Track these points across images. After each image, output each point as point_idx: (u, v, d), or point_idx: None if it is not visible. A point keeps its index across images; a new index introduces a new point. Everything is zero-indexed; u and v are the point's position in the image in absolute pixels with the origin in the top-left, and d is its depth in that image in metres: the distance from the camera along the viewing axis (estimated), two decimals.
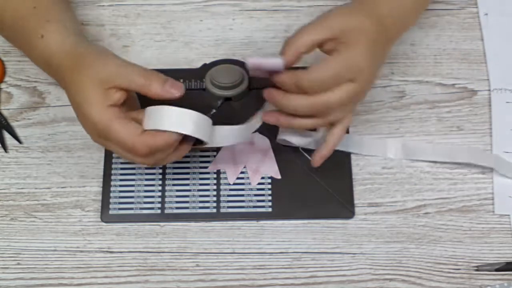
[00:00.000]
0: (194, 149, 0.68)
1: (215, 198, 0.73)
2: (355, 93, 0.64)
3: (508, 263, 0.70)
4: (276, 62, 0.62)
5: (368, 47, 0.63)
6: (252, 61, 0.63)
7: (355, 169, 0.74)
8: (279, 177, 0.74)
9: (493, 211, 0.73)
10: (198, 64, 0.78)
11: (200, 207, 0.73)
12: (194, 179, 0.74)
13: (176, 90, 0.64)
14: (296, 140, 0.73)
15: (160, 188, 0.73)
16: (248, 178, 0.74)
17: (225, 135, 0.67)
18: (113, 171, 0.74)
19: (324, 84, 0.62)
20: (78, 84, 0.64)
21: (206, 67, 0.78)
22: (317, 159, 0.69)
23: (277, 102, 0.65)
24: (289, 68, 0.63)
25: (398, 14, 0.68)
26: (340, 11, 0.65)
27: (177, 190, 0.73)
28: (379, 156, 0.75)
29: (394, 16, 0.68)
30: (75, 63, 0.65)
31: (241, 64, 0.77)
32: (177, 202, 0.73)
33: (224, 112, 0.76)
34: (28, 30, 0.69)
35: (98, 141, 0.66)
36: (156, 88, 0.63)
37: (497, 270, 0.70)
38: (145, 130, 0.63)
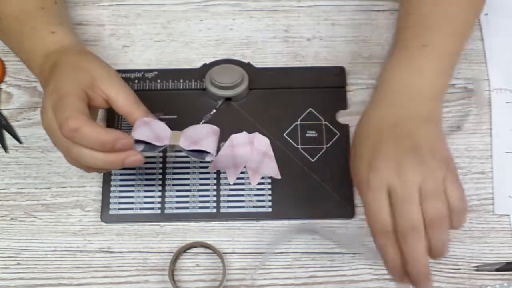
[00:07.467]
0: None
1: (215, 198, 0.73)
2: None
3: (508, 263, 0.70)
4: None
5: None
6: None
7: None
8: (279, 177, 0.74)
9: (493, 211, 0.73)
10: (198, 64, 0.78)
11: (200, 207, 0.73)
12: (194, 179, 0.74)
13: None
14: None
15: (160, 188, 0.73)
16: (248, 178, 0.74)
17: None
18: (113, 171, 0.74)
19: None
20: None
21: (206, 67, 0.78)
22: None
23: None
24: None
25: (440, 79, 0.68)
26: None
27: (177, 190, 0.73)
28: None
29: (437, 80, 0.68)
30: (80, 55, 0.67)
31: (241, 64, 0.77)
32: (177, 202, 0.73)
33: (224, 112, 0.76)
34: (37, 23, 0.69)
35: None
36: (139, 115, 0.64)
37: (497, 270, 0.70)
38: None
